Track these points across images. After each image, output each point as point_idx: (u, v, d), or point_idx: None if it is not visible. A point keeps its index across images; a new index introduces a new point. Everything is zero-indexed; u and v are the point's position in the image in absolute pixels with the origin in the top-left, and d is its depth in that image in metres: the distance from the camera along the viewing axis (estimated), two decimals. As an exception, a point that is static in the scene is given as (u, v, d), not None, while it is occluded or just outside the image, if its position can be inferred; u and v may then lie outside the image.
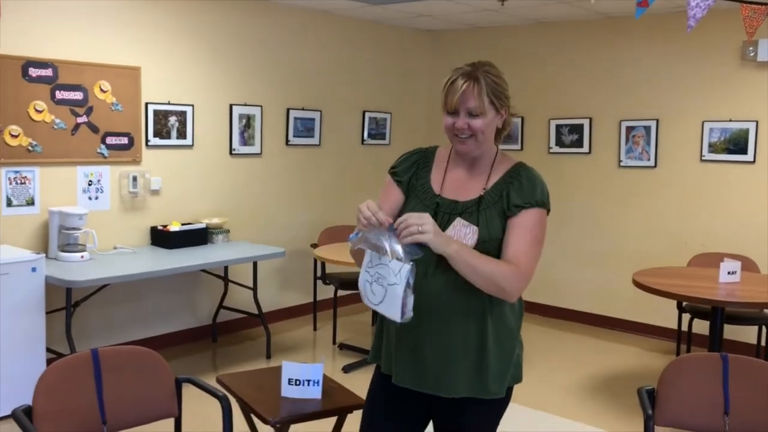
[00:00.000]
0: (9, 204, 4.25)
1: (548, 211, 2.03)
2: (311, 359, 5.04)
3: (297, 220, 5.96)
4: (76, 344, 4.11)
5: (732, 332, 4.92)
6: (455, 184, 2.07)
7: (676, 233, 5.56)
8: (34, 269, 3.87)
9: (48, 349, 4.06)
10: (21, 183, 4.30)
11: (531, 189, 2.00)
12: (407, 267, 1.80)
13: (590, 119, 5.94)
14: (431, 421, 2.13)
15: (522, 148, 6.26)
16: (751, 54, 5.09)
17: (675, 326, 5.00)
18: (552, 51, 6.12)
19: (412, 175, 2.12)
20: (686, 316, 4.77)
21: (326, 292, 5.80)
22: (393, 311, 1.83)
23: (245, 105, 5.47)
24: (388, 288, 1.83)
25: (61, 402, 2.26)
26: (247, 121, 5.50)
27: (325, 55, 6.05)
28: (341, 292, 5.56)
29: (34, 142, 4.32)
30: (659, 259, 5.45)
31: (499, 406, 2.06)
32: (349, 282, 5.29)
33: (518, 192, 1.99)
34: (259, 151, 5.61)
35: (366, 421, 2.16)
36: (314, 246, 5.55)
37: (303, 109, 5.89)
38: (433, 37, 6.92)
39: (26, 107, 4.26)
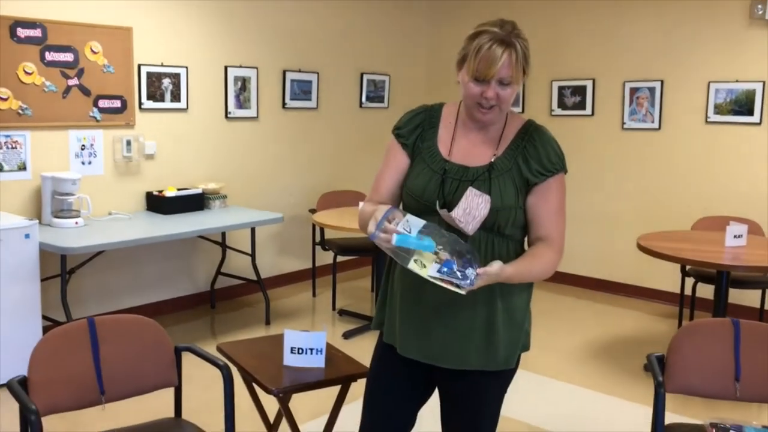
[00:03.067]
0: (0, 169, 4.14)
1: (566, 171, 1.97)
2: (311, 325, 5.00)
3: (295, 184, 5.87)
4: (72, 311, 4.05)
5: (735, 296, 4.88)
6: (464, 147, 1.96)
7: (680, 196, 5.49)
8: (27, 236, 3.78)
9: (44, 317, 4.00)
10: (12, 148, 4.19)
11: (546, 153, 1.92)
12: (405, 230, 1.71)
13: (593, 81, 5.82)
14: (437, 389, 2.07)
15: (523, 111, 6.15)
16: (760, 12, 4.96)
17: (678, 290, 4.96)
18: (553, 10, 5.97)
19: (418, 137, 2.00)
20: (689, 281, 4.73)
21: (325, 257, 5.74)
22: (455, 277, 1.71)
23: (240, 67, 5.34)
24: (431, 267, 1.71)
25: (57, 372, 2.19)
26: (243, 84, 5.37)
27: (322, 16, 5.89)
28: (340, 258, 5.50)
29: (24, 106, 4.20)
30: (663, 223, 5.39)
31: (508, 375, 2.00)
32: (348, 247, 5.23)
33: (536, 159, 1.91)
34: (255, 115, 5.49)
35: (370, 390, 2.10)
36: (312, 211, 5.48)
37: (300, 71, 5.76)
38: (432, -3, 6.76)
39: (15, 69, 4.13)
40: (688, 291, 4.84)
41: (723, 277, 3.98)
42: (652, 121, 5.56)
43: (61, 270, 3.98)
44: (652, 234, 4.47)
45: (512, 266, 1.80)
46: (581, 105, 5.90)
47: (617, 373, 4.21)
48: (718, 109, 5.26)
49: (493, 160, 1.92)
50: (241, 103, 5.39)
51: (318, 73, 5.89)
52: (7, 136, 4.16)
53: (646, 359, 2.55)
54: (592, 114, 5.87)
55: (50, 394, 2.16)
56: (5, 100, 4.11)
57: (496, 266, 1.74)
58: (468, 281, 1.69)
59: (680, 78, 5.43)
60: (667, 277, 5.40)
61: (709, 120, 5.31)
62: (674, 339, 2.47)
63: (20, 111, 4.18)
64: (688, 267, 4.64)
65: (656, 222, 5.46)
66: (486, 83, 1.84)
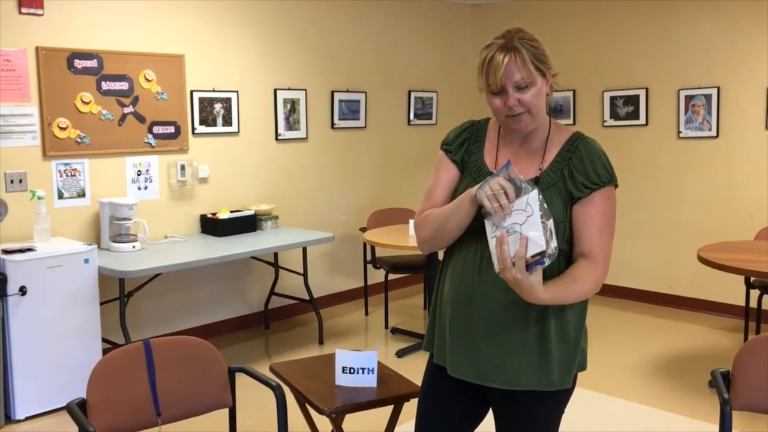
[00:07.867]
0: (60, 196, 4.28)
1: (616, 185, 1.90)
2: (364, 344, 4.98)
3: (344, 203, 5.90)
4: (130, 334, 4.13)
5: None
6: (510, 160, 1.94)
7: (740, 206, 5.30)
8: (86, 260, 3.89)
9: (104, 340, 4.10)
10: (71, 175, 4.32)
11: (593, 166, 1.86)
12: (534, 192, 1.66)
13: (646, 89, 5.70)
14: (491, 410, 2.03)
15: (574, 123, 6.05)
16: (820, 13, 4.78)
17: (742, 303, 4.78)
18: (602, 18, 5.88)
19: (465, 151, 2.00)
20: (754, 293, 4.55)
21: (377, 276, 5.74)
22: (538, 246, 1.64)
23: (289, 89, 5.41)
24: (525, 224, 1.66)
25: (114, 394, 2.23)
26: (292, 106, 5.44)
27: (368, 36, 5.94)
28: (392, 276, 5.49)
29: (83, 134, 4.33)
30: (723, 234, 5.21)
31: (564, 396, 1.94)
32: (400, 265, 5.21)
33: (581, 172, 1.85)
34: (304, 136, 5.55)
35: (421, 412, 2.06)
36: (363, 230, 5.48)
37: (347, 91, 5.80)
38: (475, 12, 6.74)
39: (73, 99, 4.28)
40: (753, 303, 4.65)
41: (790, 289, 3.82)
42: (710, 129, 5.40)
43: (119, 293, 4.07)
44: (714, 245, 4.32)
45: (549, 292, 1.72)
46: (635, 115, 5.78)
47: (680, 390, 4.07)
48: (779, 115, 5.07)
49: (539, 174, 1.88)
50: (291, 125, 5.45)
51: (366, 93, 5.93)
52: (67, 164, 4.29)
53: (710, 375, 2.45)
54: (646, 124, 5.74)
55: (108, 416, 2.20)
56: (64, 129, 4.25)
57: (536, 276, 1.66)
58: (555, 245, 1.64)
59: (737, 84, 5.26)
60: (730, 290, 5.21)
61: (769, 126, 5.13)
62: (739, 354, 2.37)
63: (78, 139, 4.31)
64: (752, 279, 4.47)
65: (717, 233, 5.28)
66: (503, 93, 1.83)
